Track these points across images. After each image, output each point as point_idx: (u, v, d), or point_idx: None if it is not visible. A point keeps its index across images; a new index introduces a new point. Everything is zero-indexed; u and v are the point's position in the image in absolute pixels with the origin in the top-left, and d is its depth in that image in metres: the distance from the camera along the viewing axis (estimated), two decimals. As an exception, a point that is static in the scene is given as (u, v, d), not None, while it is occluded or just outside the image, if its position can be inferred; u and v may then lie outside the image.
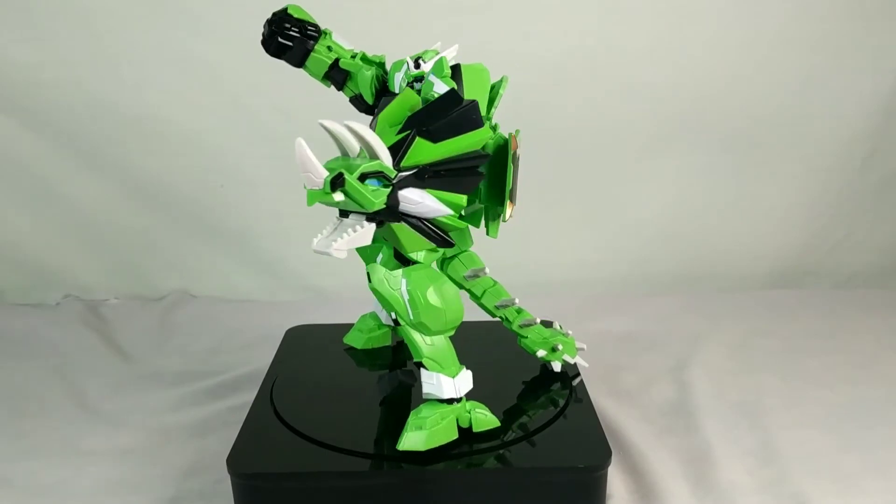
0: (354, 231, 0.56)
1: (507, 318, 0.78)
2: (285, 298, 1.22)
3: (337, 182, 0.53)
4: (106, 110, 1.15)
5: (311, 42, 0.70)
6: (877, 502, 0.69)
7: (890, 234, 1.27)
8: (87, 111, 1.15)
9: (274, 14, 0.71)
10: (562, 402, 0.73)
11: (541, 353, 0.77)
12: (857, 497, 0.69)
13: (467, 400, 0.67)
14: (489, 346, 0.83)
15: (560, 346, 0.78)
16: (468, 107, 0.58)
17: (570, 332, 0.81)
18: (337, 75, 0.70)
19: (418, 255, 0.64)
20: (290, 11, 0.70)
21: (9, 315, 1.16)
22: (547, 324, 0.80)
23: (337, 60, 0.70)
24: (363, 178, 0.55)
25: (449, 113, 0.57)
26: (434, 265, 0.69)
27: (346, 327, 0.87)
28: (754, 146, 1.23)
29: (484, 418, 0.67)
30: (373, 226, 0.57)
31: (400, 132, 0.58)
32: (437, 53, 0.65)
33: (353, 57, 0.70)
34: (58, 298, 1.22)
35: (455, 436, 0.65)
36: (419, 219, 0.59)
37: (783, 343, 1.02)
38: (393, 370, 0.81)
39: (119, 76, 1.14)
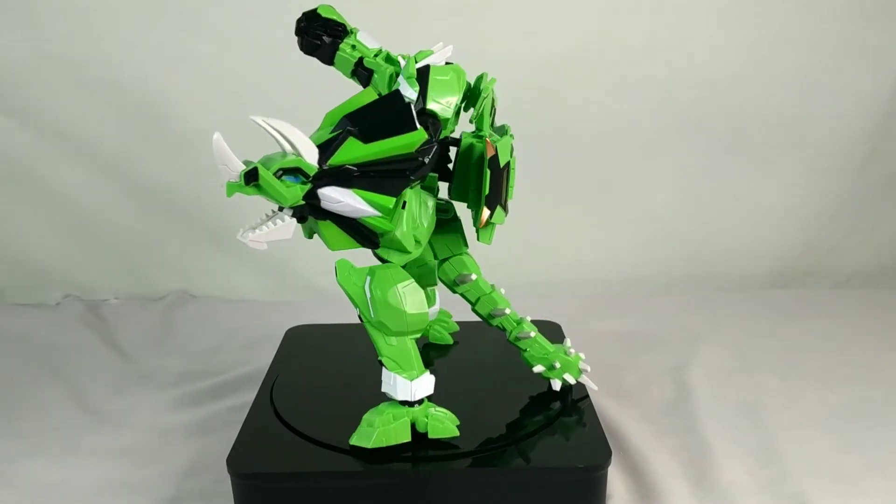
0: (275, 224, 0.57)
1: (503, 328, 0.75)
2: (285, 298, 1.22)
3: (251, 176, 0.54)
4: (106, 110, 1.15)
5: (337, 41, 0.71)
6: (877, 502, 0.69)
7: (890, 234, 1.27)
8: (87, 111, 1.15)
9: (304, 14, 0.72)
10: (562, 403, 0.73)
11: (538, 368, 0.75)
12: (857, 497, 0.69)
13: (432, 404, 0.67)
14: (491, 345, 0.84)
15: (558, 364, 0.74)
16: (402, 109, 0.57)
17: (581, 354, 0.76)
18: (362, 73, 0.71)
19: (390, 255, 0.64)
20: (319, 11, 0.72)
21: (9, 315, 1.16)
22: (556, 338, 0.78)
23: (361, 59, 0.71)
24: (282, 173, 0.55)
25: (383, 114, 0.57)
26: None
27: (346, 327, 0.87)
28: (754, 146, 1.23)
29: (441, 426, 0.66)
30: (293, 221, 0.57)
31: (334, 131, 0.58)
32: (433, 53, 0.66)
33: (376, 56, 0.71)
34: (58, 298, 1.22)
35: (406, 438, 0.65)
36: (344, 217, 0.59)
37: (783, 343, 1.02)
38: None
39: (119, 76, 1.14)
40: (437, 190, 0.70)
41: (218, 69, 1.14)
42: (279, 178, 0.55)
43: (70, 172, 1.18)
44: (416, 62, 0.65)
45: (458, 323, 0.89)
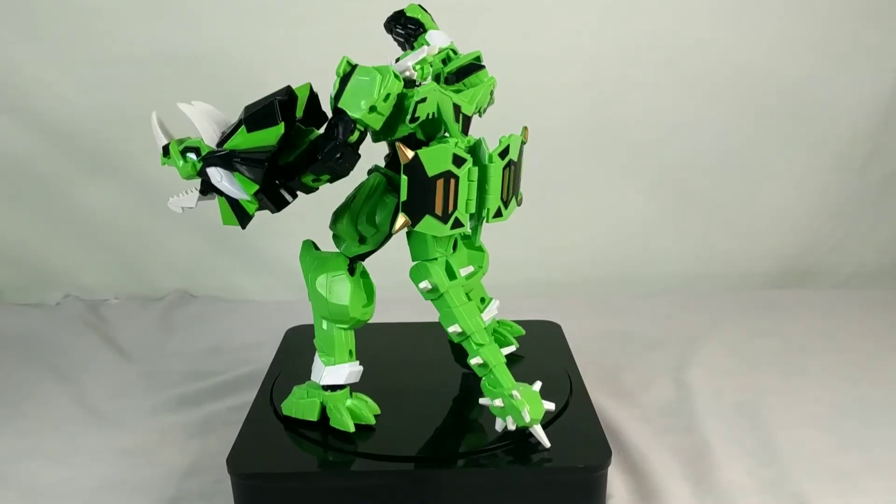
0: (185, 194, 0.67)
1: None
2: (285, 298, 1.22)
3: (165, 150, 0.66)
4: (106, 110, 1.15)
5: (412, 40, 0.73)
6: (877, 502, 0.69)
7: (890, 234, 1.27)
8: (87, 111, 1.15)
9: (393, 13, 0.74)
10: (562, 403, 0.73)
11: (483, 401, 0.68)
12: (857, 497, 0.69)
13: (363, 396, 0.71)
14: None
15: (501, 403, 0.65)
16: (267, 104, 0.62)
17: (537, 384, 0.67)
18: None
19: (341, 246, 0.70)
20: (405, 10, 0.73)
21: (9, 315, 1.16)
22: (556, 338, 0.76)
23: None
24: (186, 151, 0.65)
25: (260, 107, 0.62)
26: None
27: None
28: (754, 146, 1.23)
29: (339, 417, 0.69)
30: (195, 193, 0.67)
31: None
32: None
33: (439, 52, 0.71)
34: (58, 298, 1.22)
35: (312, 418, 0.69)
36: (230, 196, 0.65)
37: (783, 343, 1.02)
38: (393, 370, 0.81)
39: (119, 76, 1.14)
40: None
41: (218, 69, 1.14)
42: (184, 154, 0.65)
43: (70, 172, 1.18)
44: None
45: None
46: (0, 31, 1.11)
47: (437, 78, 0.70)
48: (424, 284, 0.66)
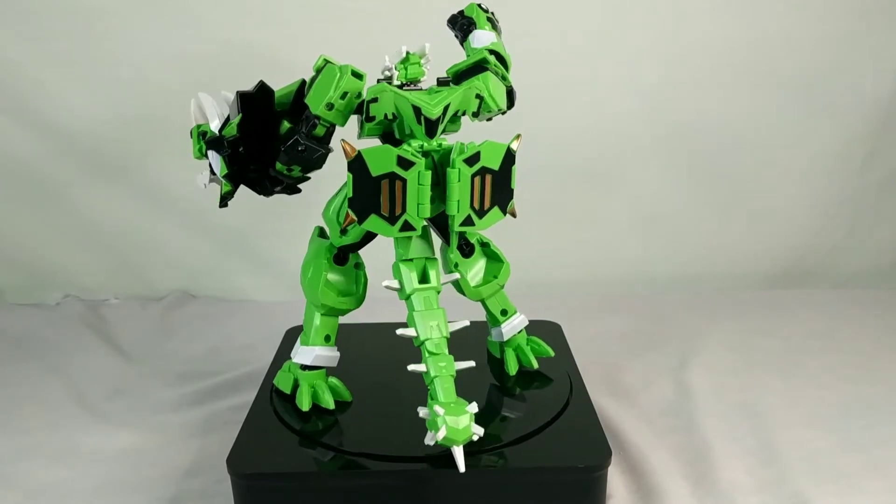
0: (202, 173, 0.72)
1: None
2: (285, 299, 1.22)
3: (190, 132, 0.72)
4: (106, 110, 1.15)
5: (465, 37, 0.73)
6: (877, 502, 0.69)
7: (890, 234, 1.28)
8: (87, 111, 1.15)
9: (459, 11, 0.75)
10: (562, 403, 0.73)
11: (422, 411, 0.64)
12: (857, 497, 0.69)
13: (338, 382, 0.74)
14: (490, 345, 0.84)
15: (423, 413, 0.63)
16: (237, 98, 0.68)
17: (471, 406, 0.62)
18: None
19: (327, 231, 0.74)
20: (465, 9, 0.74)
21: (9, 315, 1.16)
22: (556, 338, 0.76)
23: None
24: (201, 134, 0.71)
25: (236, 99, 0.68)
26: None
27: (346, 327, 0.87)
28: (754, 146, 1.23)
29: (299, 395, 0.73)
30: (207, 173, 0.72)
31: None
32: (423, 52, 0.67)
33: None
34: (58, 298, 1.22)
35: (286, 391, 0.75)
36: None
37: (783, 343, 1.02)
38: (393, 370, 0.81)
39: (119, 76, 1.14)
40: None
41: (218, 69, 1.14)
42: (200, 137, 0.71)
43: (70, 172, 1.18)
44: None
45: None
46: (0, 31, 1.11)
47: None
48: (391, 283, 0.66)
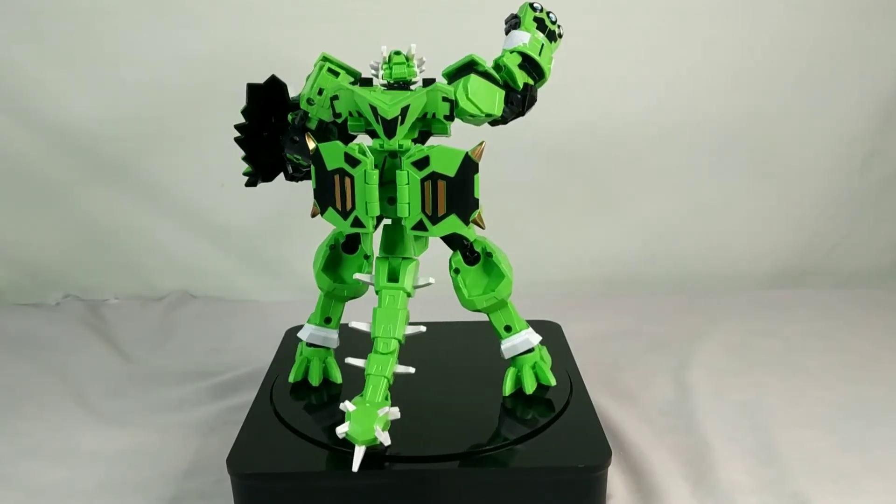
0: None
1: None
2: (285, 299, 1.22)
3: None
4: (106, 110, 1.15)
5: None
6: (877, 502, 0.69)
7: (890, 234, 1.28)
8: (87, 111, 1.15)
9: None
10: (562, 403, 0.73)
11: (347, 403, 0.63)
12: (857, 497, 0.69)
13: (330, 360, 0.78)
14: (490, 345, 0.83)
15: (342, 406, 0.62)
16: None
17: (391, 411, 0.62)
18: None
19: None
20: (520, 6, 0.74)
21: (9, 315, 1.16)
22: (556, 338, 0.75)
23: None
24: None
25: None
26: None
27: (346, 328, 0.87)
28: (754, 146, 1.23)
29: (295, 366, 0.78)
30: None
31: None
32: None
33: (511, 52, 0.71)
34: (58, 298, 1.22)
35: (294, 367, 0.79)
36: None
37: (783, 343, 1.02)
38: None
39: (119, 76, 1.14)
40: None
41: (218, 69, 1.14)
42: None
43: (70, 172, 1.18)
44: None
45: (456, 323, 0.89)
46: (0, 31, 1.11)
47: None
48: (363, 276, 0.68)
